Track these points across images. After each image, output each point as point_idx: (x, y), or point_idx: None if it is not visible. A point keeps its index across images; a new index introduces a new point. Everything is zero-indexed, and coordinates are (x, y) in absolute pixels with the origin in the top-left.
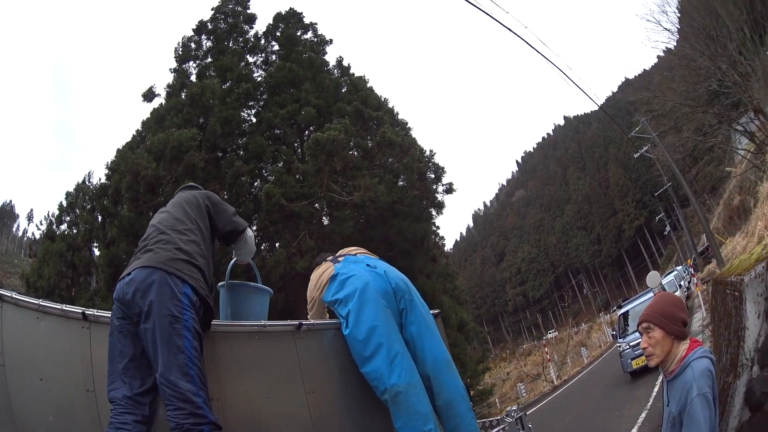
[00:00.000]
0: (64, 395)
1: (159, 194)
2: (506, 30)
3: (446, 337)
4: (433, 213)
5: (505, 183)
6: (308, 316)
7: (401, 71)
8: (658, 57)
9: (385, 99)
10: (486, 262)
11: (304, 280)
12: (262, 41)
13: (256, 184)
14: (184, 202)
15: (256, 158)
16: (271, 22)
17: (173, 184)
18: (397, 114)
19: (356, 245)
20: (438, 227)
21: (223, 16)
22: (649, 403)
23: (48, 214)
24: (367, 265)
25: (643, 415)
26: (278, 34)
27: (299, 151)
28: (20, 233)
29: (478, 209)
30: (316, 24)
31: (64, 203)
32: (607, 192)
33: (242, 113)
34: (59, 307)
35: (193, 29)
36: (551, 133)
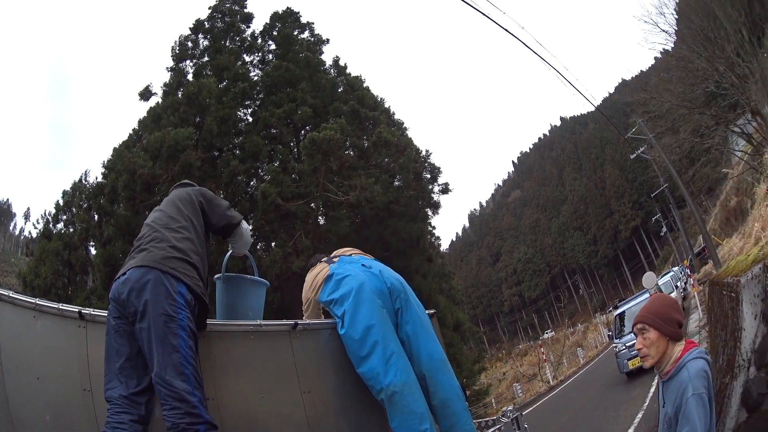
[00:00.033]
0: (61, 394)
1: (155, 193)
2: (503, 30)
3: (442, 337)
4: (429, 213)
5: (501, 183)
6: (303, 318)
7: (398, 71)
8: (656, 58)
9: (381, 99)
10: (482, 263)
11: (300, 280)
12: (259, 40)
13: (252, 183)
14: (177, 200)
15: (253, 157)
16: (268, 22)
17: (169, 183)
18: (394, 114)
19: (352, 245)
20: (434, 227)
21: (220, 15)
22: (646, 404)
23: (45, 213)
24: (363, 265)
25: (640, 415)
26: (275, 33)
27: (295, 150)
28: (17, 232)
29: (474, 209)
30: (313, 23)
31: (61, 202)
32: (604, 193)
33: (239, 112)
34: (56, 306)
35: (190, 28)
36: (547, 134)
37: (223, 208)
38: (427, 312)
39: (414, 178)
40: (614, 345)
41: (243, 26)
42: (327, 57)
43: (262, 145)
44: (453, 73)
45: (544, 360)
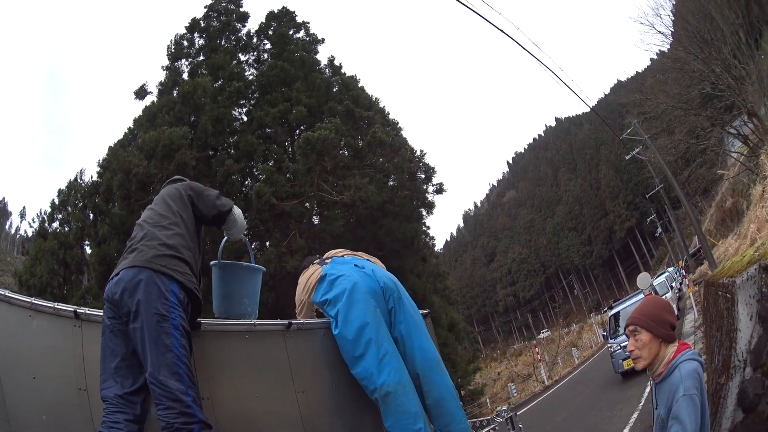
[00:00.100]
0: (57, 394)
1: (150, 192)
2: (498, 31)
3: (436, 337)
4: (424, 213)
5: (495, 183)
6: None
7: (393, 71)
8: (651, 60)
9: (376, 99)
10: (476, 263)
11: (295, 279)
12: (255, 40)
13: (246, 182)
14: (167, 197)
15: (247, 157)
16: (263, 21)
17: (164, 182)
18: (388, 114)
19: (346, 245)
20: (428, 227)
21: (216, 14)
22: (641, 404)
23: (40, 212)
24: (355, 265)
25: (635, 415)
26: (270, 32)
27: (290, 150)
28: (13, 231)
29: (469, 209)
30: (309, 23)
31: (57, 201)
32: (598, 193)
33: (233, 112)
34: (51, 305)
35: (185, 27)
36: (542, 135)
37: (213, 198)
38: (421, 312)
39: (408, 178)
40: (609, 345)
41: (238, 25)
42: (322, 56)
43: (256, 145)
44: (448, 73)
45: (539, 360)
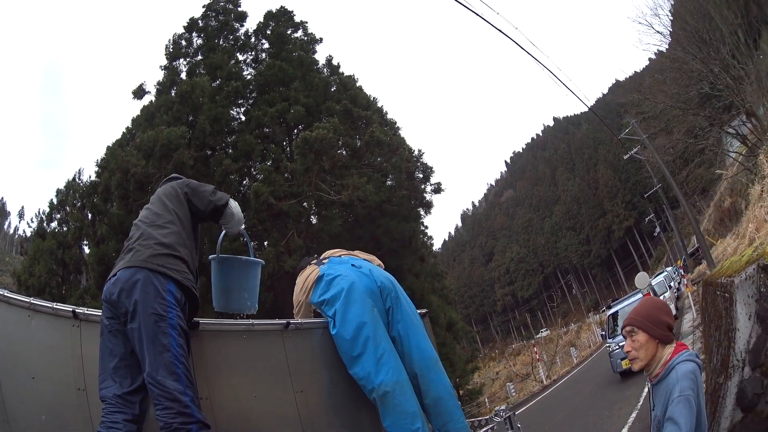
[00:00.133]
0: (56, 394)
1: (148, 192)
2: (496, 31)
3: (434, 336)
4: (422, 212)
5: (493, 183)
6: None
7: (391, 71)
8: (650, 59)
9: (374, 98)
10: (475, 262)
11: (293, 279)
12: (252, 39)
13: (244, 182)
14: (163, 195)
15: (245, 157)
16: (261, 20)
17: (162, 182)
18: (386, 113)
19: (344, 244)
20: (426, 227)
21: (214, 14)
22: (640, 403)
23: (39, 212)
24: (352, 265)
25: (634, 414)
26: (268, 32)
27: (288, 149)
28: (11, 231)
29: (467, 209)
30: (306, 23)
31: (55, 201)
32: (597, 193)
33: (231, 111)
34: (50, 305)
35: (184, 26)
36: (540, 134)
37: (208, 194)
38: (419, 311)
39: (406, 177)
40: (607, 345)
41: (237, 25)
42: (320, 56)
43: (254, 144)
44: (446, 73)
45: (537, 359)
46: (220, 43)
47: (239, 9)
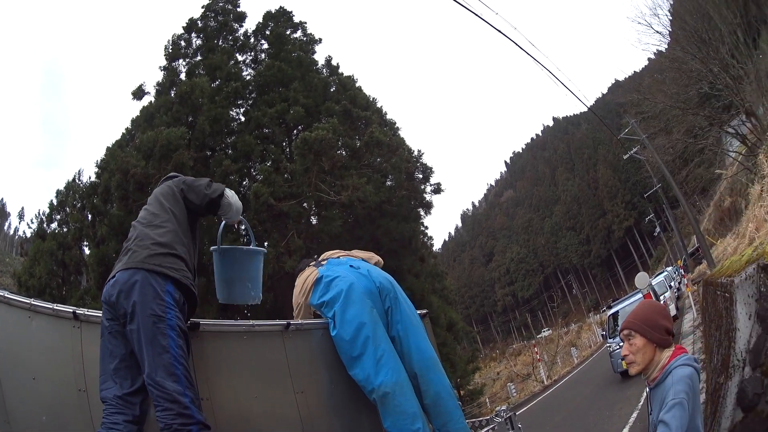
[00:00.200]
0: (57, 395)
1: (148, 193)
2: (495, 31)
3: (435, 336)
4: (422, 213)
5: (493, 183)
6: None
7: (390, 71)
8: (649, 59)
9: (373, 99)
10: (475, 262)
11: (293, 280)
12: (252, 40)
13: (244, 183)
14: (159, 195)
15: (245, 157)
16: (260, 21)
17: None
18: (386, 114)
19: (344, 245)
20: (426, 227)
21: (213, 14)
22: (640, 403)
23: (39, 213)
24: (351, 266)
25: (635, 414)
26: (268, 32)
27: (287, 150)
28: (11, 231)
29: (467, 209)
30: (306, 23)
31: (55, 201)
32: (596, 193)
33: (231, 112)
34: (50, 306)
35: (183, 27)
36: (540, 134)
37: (203, 187)
38: (419, 312)
39: (406, 178)
40: (608, 345)
41: (236, 25)
42: (319, 56)
43: (254, 145)
44: (445, 73)
45: (538, 360)
46: (220, 43)
47: (238, 9)
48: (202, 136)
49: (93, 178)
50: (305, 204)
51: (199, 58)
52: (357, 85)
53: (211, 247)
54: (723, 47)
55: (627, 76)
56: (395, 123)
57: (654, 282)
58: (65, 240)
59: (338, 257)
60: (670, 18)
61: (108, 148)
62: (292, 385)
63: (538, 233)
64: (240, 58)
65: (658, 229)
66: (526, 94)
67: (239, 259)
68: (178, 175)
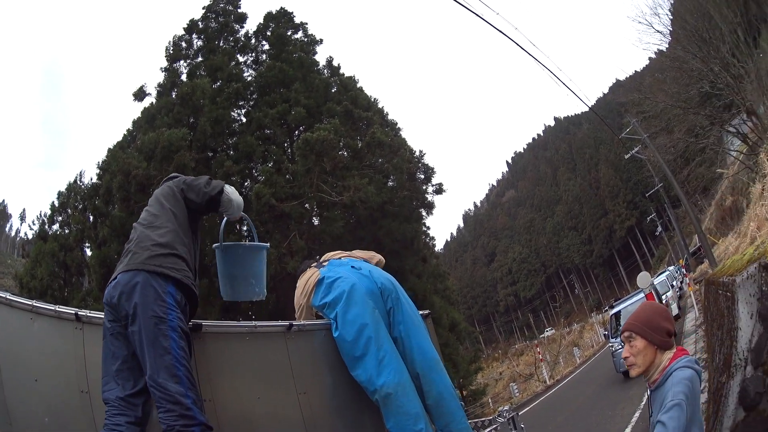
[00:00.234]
0: (59, 396)
1: (149, 194)
2: (496, 31)
3: (438, 337)
4: (423, 213)
5: (495, 183)
6: None
7: (391, 72)
8: (650, 59)
9: (374, 99)
10: (477, 263)
11: (295, 281)
12: (253, 41)
13: (246, 184)
14: (160, 196)
15: (246, 158)
16: (261, 22)
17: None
18: (387, 114)
19: (346, 246)
20: (428, 227)
21: (214, 15)
22: (643, 403)
23: (40, 214)
24: (352, 267)
25: (637, 414)
26: (269, 33)
27: (289, 151)
28: (13, 233)
29: (469, 209)
30: (307, 24)
31: (56, 203)
32: (598, 192)
33: (232, 113)
34: (52, 308)
35: (184, 28)
36: (541, 134)
37: (202, 185)
38: (421, 313)
39: (408, 178)
40: (610, 344)
41: (237, 26)
42: (320, 57)
43: (255, 146)
44: (447, 74)
45: (540, 360)
46: (221, 44)
47: (239, 10)
48: (203, 137)
49: (94, 180)
50: (307, 205)
51: (200, 59)
52: (358, 85)
53: (213, 245)
54: (723, 46)
55: (628, 76)
56: (397, 123)
57: (656, 281)
58: (67, 241)
59: (340, 258)
60: (671, 17)
61: (109, 150)
62: (294, 386)
63: (540, 233)
64: (241, 59)
65: (659, 229)
66: (528, 94)
67: (242, 255)
68: (179, 176)
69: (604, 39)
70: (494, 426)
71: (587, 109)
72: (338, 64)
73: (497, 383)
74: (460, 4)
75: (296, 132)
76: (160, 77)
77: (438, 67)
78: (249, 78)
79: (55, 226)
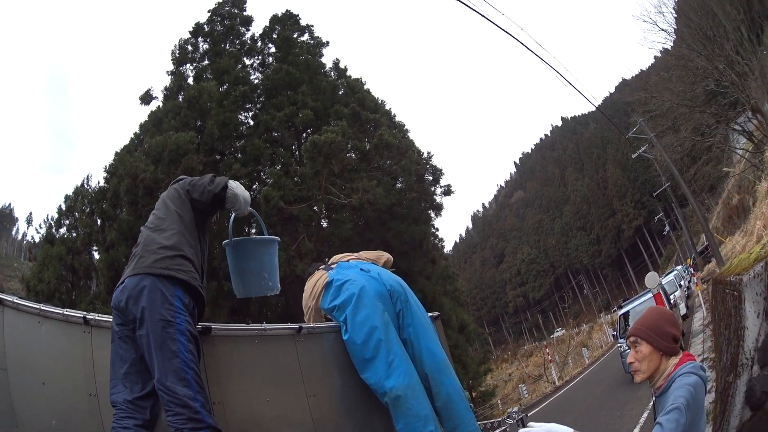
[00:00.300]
0: (67, 399)
1: (157, 197)
2: (502, 32)
3: (447, 338)
4: (432, 215)
5: (503, 184)
6: None
7: (398, 73)
8: (655, 57)
9: (382, 101)
10: (486, 264)
11: (304, 283)
12: (259, 43)
13: (254, 187)
14: (166, 198)
15: (254, 161)
16: (267, 25)
17: None
18: (395, 116)
19: (355, 248)
20: (437, 229)
21: (219, 19)
22: (651, 403)
23: (47, 218)
24: (361, 269)
25: (645, 414)
26: (275, 36)
27: (297, 153)
28: (20, 237)
29: (477, 211)
30: (313, 26)
31: (64, 206)
32: (606, 192)
33: (239, 116)
34: (60, 311)
35: (189, 32)
36: (549, 134)
37: (206, 184)
38: (430, 314)
39: (416, 180)
40: (619, 345)
41: (242, 29)
42: (327, 59)
43: (263, 149)
44: (454, 75)
45: (549, 361)
46: (227, 47)
47: (245, 13)
48: (210, 141)
49: (102, 183)
50: (315, 207)
51: (206, 62)
52: (365, 87)
53: (223, 242)
54: (728, 44)
55: (634, 75)
56: (404, 125)
57: (664, 281)
58: (74, 245)
59: (348, 260)
60: (675, 15)
61: (117, 153)
62: (304, 388)
63: (549, 234)
64: (247, 62)
65: (667, 228)
66: (534, 94)
67: (252, 250)
68: (186, 178)
69: (609, 38)
70: (503, 427)
71: (594, 108)
72: (345, 66)
73: (506, 384)
74: (466, 6)
75: (304, 134)
76: (167, 81)
77: (445, 69)
78: (256, 81)
79: (63, 230)
